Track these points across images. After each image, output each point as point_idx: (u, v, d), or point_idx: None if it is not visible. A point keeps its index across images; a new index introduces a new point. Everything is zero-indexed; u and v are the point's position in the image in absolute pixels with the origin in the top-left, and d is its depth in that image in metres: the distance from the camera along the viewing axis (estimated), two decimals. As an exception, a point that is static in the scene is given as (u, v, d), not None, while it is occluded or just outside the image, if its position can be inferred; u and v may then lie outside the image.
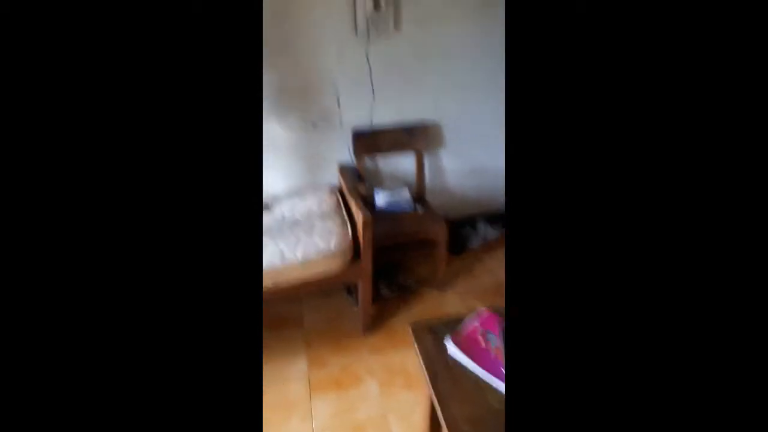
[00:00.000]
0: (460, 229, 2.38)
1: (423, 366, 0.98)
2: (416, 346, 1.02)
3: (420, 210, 2.00)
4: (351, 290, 1.98)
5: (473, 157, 2.26)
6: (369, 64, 1.87)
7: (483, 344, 1.03)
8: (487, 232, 2.41)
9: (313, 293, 1.99)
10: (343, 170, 1.99)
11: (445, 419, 0.85)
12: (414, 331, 1.06)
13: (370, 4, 1.72)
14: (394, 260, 2.15)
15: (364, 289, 1.65)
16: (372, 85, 1.92)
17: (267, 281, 1.47)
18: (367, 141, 2.01)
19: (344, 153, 2.03)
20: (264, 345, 1.64)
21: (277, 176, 1.99)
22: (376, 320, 1.82)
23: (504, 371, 0.93)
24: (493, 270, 2.18)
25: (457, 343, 1.02)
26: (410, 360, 1.63)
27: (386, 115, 2.01)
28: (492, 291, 2.00)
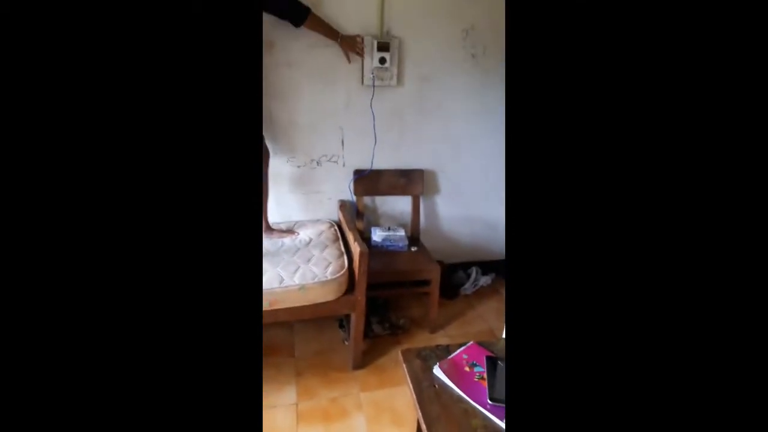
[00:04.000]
0: (453, 273, 2.43)
1: (411, 387, 1.00)
2: (405, 368, 1.05)
3: (414, 250, 2.07)
4: (343, 324, 1.99)
5: (467, 205, 2.38)
6: (372, 112, 2.03)
7: (468, 372, 1.07)
8: (480, 278, 2.46)
9: (306, 324, 2.00)
10: (343, 206, 2.08)
11: (429, 438, 0.87)
12: (404, 355, 1.09)
13: (376, 59, 1.91)
14: (386, 298, 2.18)
15: (356, 321, 1.67)
16: (374, 131, 2.07)
17: (264, 302, 1.50)
18: (367, 181, 2.12)
19: (345, 191, 2.14)
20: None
21: (279, 208, 2.08)
22: (367, 357, 1.82)
23: (488, 400, 0.97)
24: (485, 316, 2.20)
25: (443, 369, 1.05)
26: (398, 398, 1.62)
27: (386, 159, 2.15)
28: (483, 336, 2.01)
